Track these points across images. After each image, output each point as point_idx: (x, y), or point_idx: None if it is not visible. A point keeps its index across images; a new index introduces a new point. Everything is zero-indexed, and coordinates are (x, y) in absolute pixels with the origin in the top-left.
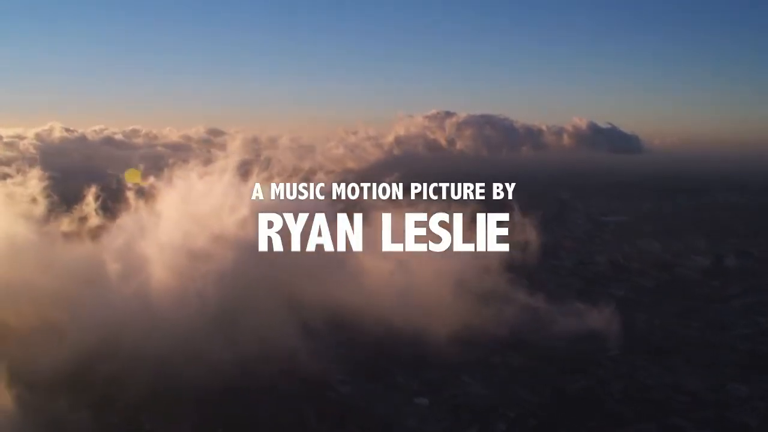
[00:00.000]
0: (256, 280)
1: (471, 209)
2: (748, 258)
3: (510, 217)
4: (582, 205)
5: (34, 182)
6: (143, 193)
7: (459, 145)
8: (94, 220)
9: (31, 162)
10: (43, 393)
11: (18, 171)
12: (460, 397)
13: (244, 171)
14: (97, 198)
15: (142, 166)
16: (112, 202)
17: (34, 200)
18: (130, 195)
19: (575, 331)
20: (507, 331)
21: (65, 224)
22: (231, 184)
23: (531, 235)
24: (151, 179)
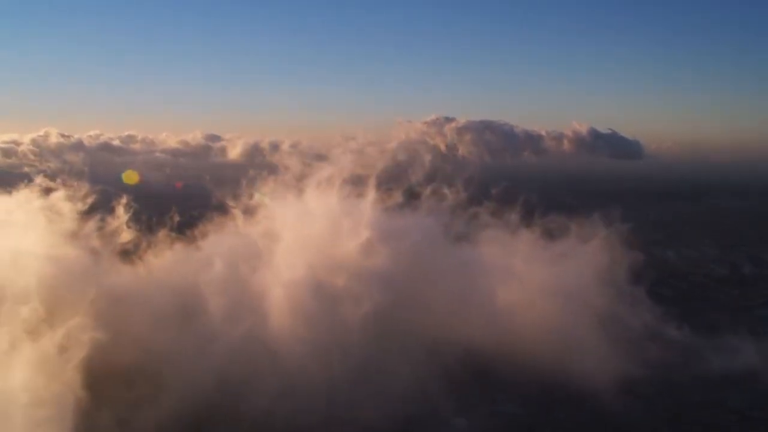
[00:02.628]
0: (388, 319)
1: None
2: (764, 266)
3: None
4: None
5: (83, 196)
6: (237, 212)
7: (461, 150)
8: (161, 244)
9: (79, 175)
10: None
11: (65, 184)
12: None
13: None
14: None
15: (261, 184)
16: (194, 222)
17: (95, 218)
18: (236, 214)
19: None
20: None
21: (132, 248)
22: (341, 202)
23: (615, 251)
24: (256, 196)
